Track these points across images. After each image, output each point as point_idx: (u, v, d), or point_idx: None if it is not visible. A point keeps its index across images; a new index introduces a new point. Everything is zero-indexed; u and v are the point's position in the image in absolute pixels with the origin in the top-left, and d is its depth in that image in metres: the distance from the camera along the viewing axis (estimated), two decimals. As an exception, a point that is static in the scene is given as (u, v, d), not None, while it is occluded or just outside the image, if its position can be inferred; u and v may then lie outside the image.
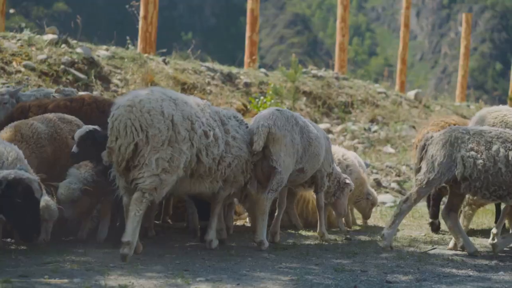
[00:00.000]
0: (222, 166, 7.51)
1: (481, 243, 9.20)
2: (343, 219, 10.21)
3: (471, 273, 7.01)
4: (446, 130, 8.15)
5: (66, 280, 5.72)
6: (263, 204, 7.87)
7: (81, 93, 11.26)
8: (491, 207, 12.30)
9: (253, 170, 8.02)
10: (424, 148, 8.17)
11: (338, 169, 9.53)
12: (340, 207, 9.51)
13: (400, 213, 8.19)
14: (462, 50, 28.94)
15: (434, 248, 8.53)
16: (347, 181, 9.40)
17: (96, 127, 7.68)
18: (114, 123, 6.93)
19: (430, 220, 10.38)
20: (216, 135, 7.37)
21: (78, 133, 7.62)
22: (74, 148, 7.56)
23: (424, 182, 8.03)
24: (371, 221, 11.18)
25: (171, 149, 6.93)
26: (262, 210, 7.89)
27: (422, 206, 12.53)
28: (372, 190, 10.92)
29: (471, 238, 9.62)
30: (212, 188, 7.62)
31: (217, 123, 7.49)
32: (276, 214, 8.87)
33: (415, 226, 10.98)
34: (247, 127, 7.97)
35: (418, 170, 8.26)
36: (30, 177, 6.79)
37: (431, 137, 8.16)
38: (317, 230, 8.91)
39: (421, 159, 8.20)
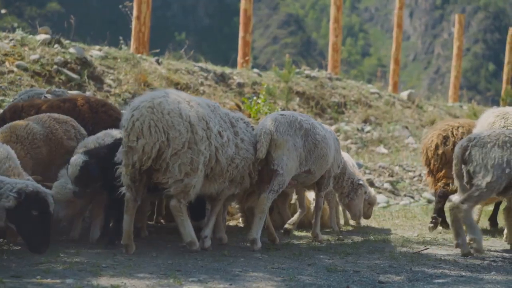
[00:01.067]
0: (231, 167, 7.63)
1: (474, 244, 9.23)
2: (335, 219, 10.25)
3: (463, 274, 7.02)
4: (491, 133, 8.07)
5: (58, 281, 5.71)
6: (262, 203, 7.90)
7: (72, 92, 11.21)
8: (483, 207, 12.33)
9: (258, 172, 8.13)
10: (466, 149, 8.05)
11: (351, 170, 9.59)
12: (354, 208, 9.64)
13: (467, 215, 8.06)
14: (455, 50, 29.05)
15: (426, 249, 8.55)
16: (361, 182, 9.51)
17: (85, 158, 7.39)
18: (135, 123, 6.97)
19: (434, 215, 10.47)
20: (228, 136, 7.52)
21: (72, 174, 7.39)
22: (74, 188, 7.45)
23: (484, 186, 7.90)
24: (363, 222, 11.19)
25: (190, 151, 7.06)
26: (261, 209, 7.92)
27: (414, 207, 12.56)
28: (370, 189, 10.91)
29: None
30: (219, 189, 7.77)
31: (227, 125, 7.62)
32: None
33: (408, 227, 11.00)
34: (253, 129, 8.11)
35: (458, 172, 8.16)
36: (46, 190, 6.81)
37: (474, 138, 8.08)
38: (311, 231, 8.94)
39: (462, 161, 8.09)
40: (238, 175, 7.82)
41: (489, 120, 9.36)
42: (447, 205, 8.44)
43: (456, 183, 8.24)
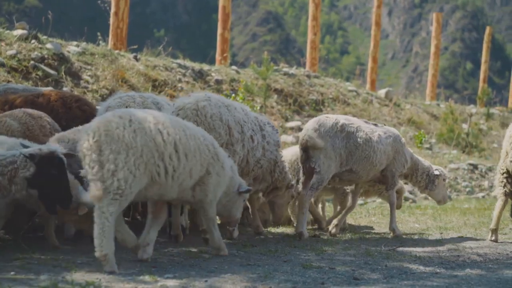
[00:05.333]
0: (256, 167, 8.37)
1: (448, 241, 9.29)
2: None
3: (438, 270, 7.07)
4: None
5: (32, 276, 5.69)
6: (302, 200, 8.90)
7: (45, 88, 11.10)
8: (459, 205, 12.41)
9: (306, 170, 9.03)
10: None
11: (425, 164, 10.05)
12: (437, 196, 10.16)
13: None
14: (432, 49, 29.18)
15: (402, 246, 8.60)
16: (437, 172, 9.97)
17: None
18: None
19: None
20: (258, 139, 8.25)
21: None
22: None
23: None
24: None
25: (227, 151, 7.55)
26: (302, 205, 8.90)
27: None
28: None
29: (438, 236, 9.73)
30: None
31: (257, 128, 8.34)
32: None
33: (384, 224, 11.04)
34: (277, 132, 8.96)
35: None
36: (58, 149, 6.82)
37: None
38: (389, 226, 9.72)
39: None
40: (261, 174, 8.54)
41: None
42: None
43: None
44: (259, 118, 8.63)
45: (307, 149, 8.90)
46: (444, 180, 10.09)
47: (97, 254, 6.04)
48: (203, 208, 6.96)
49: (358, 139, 9.01)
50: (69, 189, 6.70)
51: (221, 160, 6.94)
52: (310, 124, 9.00)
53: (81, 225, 7.28)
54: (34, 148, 6.68)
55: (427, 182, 9.96)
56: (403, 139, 9.73)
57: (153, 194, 6.57)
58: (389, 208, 9.78)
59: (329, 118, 9.06)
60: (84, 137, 6.23)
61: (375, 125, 9.55)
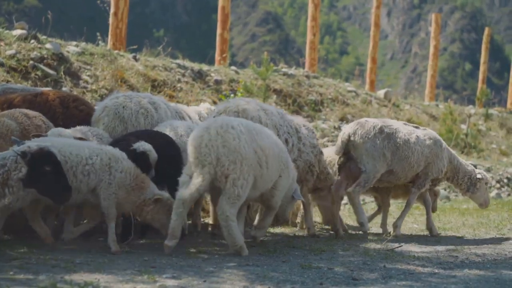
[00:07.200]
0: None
1: (447, 241, 9.29)
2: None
3: (436, 270, 7.08)
4: None
5: (31, 277, 5.69)
6: (350, 197, 9.25)
7: (44, 89, 11.09)
8: (457, 205, 12.41)
9: (343, 171, 9.42)
10: None
11: (468, 168, 10.16)
12: (478, 199, 10.26)
13: None
14: (431, 50, 29.18)
15: (400, 246, 8.60)
16: (479, 176, 10.11)
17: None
18: None
19: None
20: (293, 141, 8.54)
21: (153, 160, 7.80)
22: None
23: None
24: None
25: None
26: (352, 202, 9.33)
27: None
28: None
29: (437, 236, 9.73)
30: None
31: (293, 131, 8.62)
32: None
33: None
34: (313, 133, 9.20)
35: None
36: (48, 144, 6.80)
37: None
38: (394, 222, 9.90)
39: None
40: (299, 176, 8.61)
41: None
42: None
43: None
44: (295, 121, 8.89)
45: (348, 151, 9.32)
46: (486, 183, 10.21)
47: (233, 248, 7.25)
48: (272, 198, 7.75)
49: (398, 140, 9.34)
50: (66, 180, 6.68)
51: (289, 167, 7.76)
52: (350, 125, 9.40)
53: (154, 215, 7.46)
54: (23, 146, 6.66)
55: (469, 185, 10.09)
56: (444, 144, 9.87)
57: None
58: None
59: (368, 121, 9.40)
60: (198, 146, 6.96)
61: (416, 127, 9.79)
